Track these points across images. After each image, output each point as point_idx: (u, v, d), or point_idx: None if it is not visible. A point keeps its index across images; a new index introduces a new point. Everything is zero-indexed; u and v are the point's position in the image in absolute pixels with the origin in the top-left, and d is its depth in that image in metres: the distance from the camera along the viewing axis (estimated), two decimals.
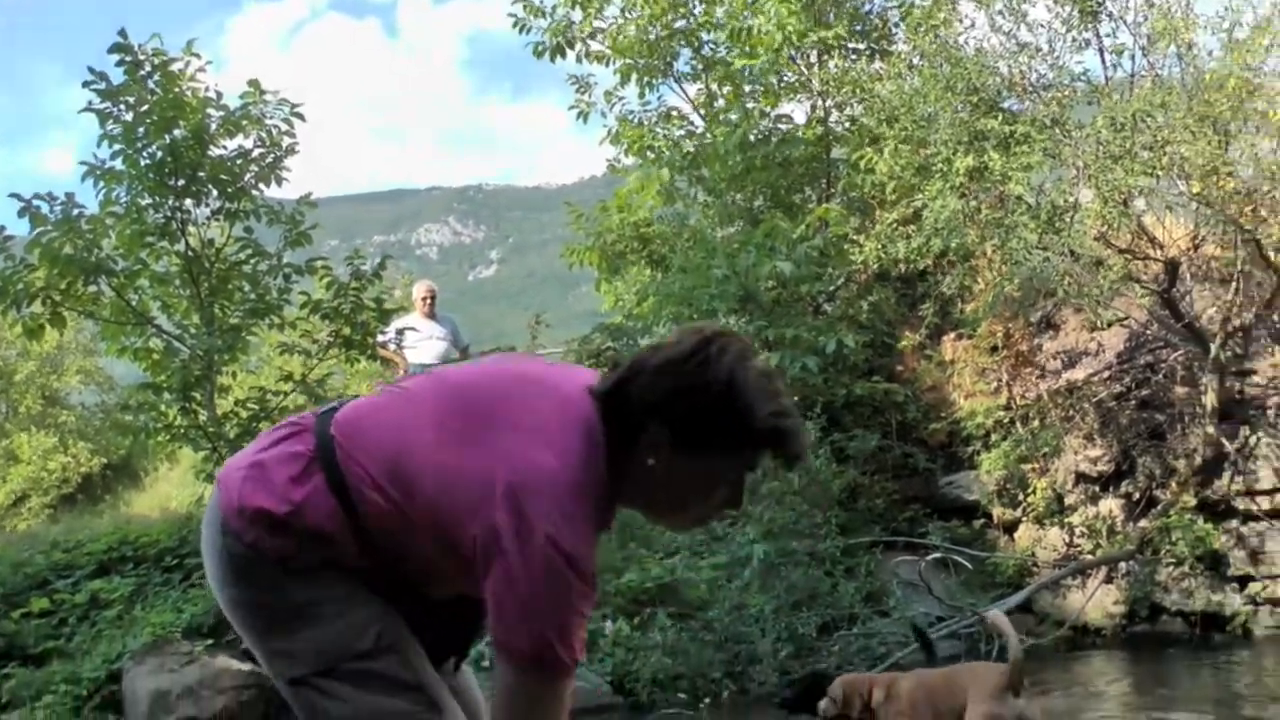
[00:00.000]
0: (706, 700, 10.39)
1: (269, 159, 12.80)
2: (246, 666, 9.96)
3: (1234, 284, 13.28)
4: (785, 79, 17.68)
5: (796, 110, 18.20)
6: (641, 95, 18.65)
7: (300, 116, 12.83)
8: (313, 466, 2.70)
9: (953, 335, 15.51)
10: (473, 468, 2.58)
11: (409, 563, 2.75)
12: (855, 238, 14.87)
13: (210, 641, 10.39)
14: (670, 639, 10.83)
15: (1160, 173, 12.62)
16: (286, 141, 12.83)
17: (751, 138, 17.19)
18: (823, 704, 6.60)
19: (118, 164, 12.25)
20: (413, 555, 2.72)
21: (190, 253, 12.56)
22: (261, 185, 12.83)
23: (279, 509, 2.67)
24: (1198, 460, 13.45)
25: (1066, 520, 13.99)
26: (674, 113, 18.80)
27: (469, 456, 2.59)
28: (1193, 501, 13.10)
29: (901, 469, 14.63)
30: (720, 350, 2.64)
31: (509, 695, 2.58)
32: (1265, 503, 13.25)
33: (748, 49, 16.92)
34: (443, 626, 2.98)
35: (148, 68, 12.17)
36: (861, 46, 17.39)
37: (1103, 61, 13.97)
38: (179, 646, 10.40)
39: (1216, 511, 13.34)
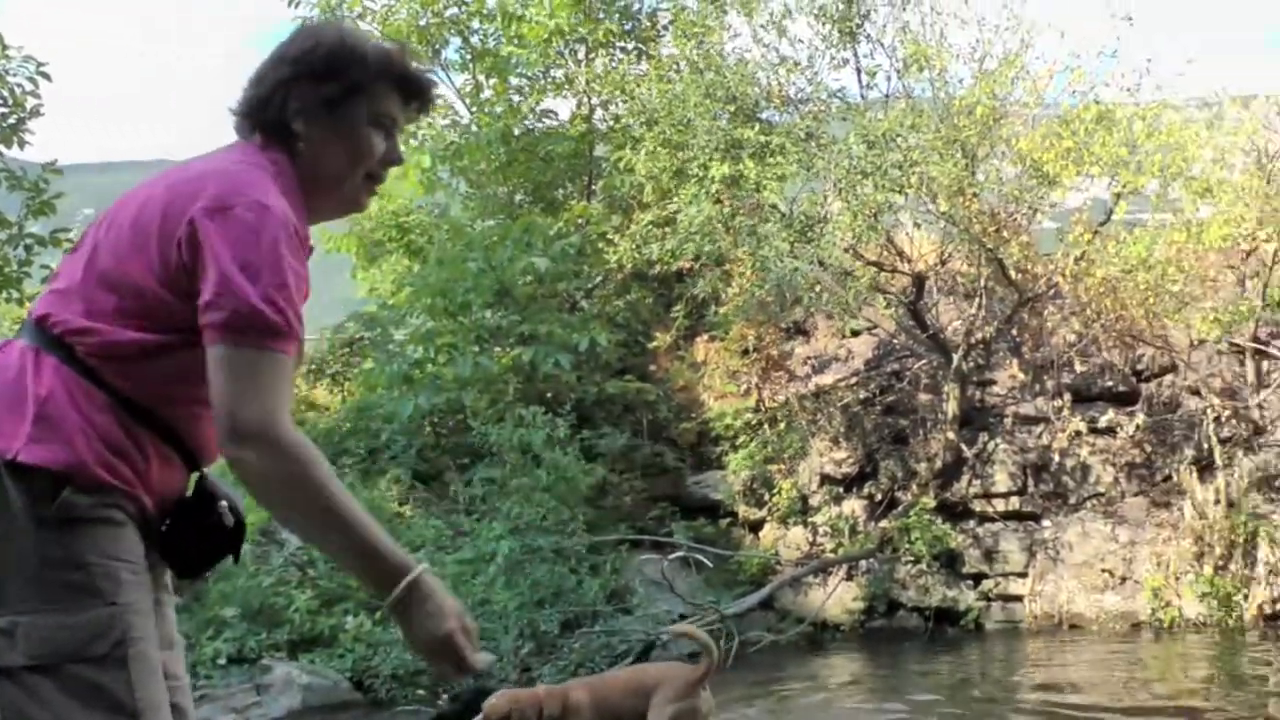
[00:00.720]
0: (445, 696, 10.35)
1: (11, 119, 12.16)
2: None
3: (977, 299, 13.84)
4: (553, 74, 17.68)
5: (562, 106, 18.23)
6: (437, 84, 18.37)
7: (46, 76, 12.16)
8: (40, 355, 2.57)
9: (705, 337, 15.71)
10: (154, 210, 2.57)
11: (177, 401, 2.64)
12: (611, 237, 14.99)
13: None
14: None
15: (909, 190, 13.04)
16: (31, 102, 12.20)
17: (516, 131, 17.18)
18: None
19: None
20: (173, 381, 2.60)
21: None
22: (2, 147, 12.19)
23: (34, 407, 2.51)
24: (938, 464, 13.98)
25: (810, 520, 14.31)
26: (439, 100, 18.58)
27: (147, 211, 2.58)
28: (932, 503, 13.59)
29: (651, 467, 14.73)
30: (318, 23, 2.93)
31: (228, 367, 2.46)
32: (1001, 505, 13.94)
33: (518, 39, 16.88)
34: (195, 535, 2.79)
35: None
36: (629, 46, 17.46)
37: (859, 81, 14.41)
38: None
39: (954, 513, 13.94)
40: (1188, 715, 9.02)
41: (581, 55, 17.39)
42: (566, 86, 17.71)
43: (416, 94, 2.91)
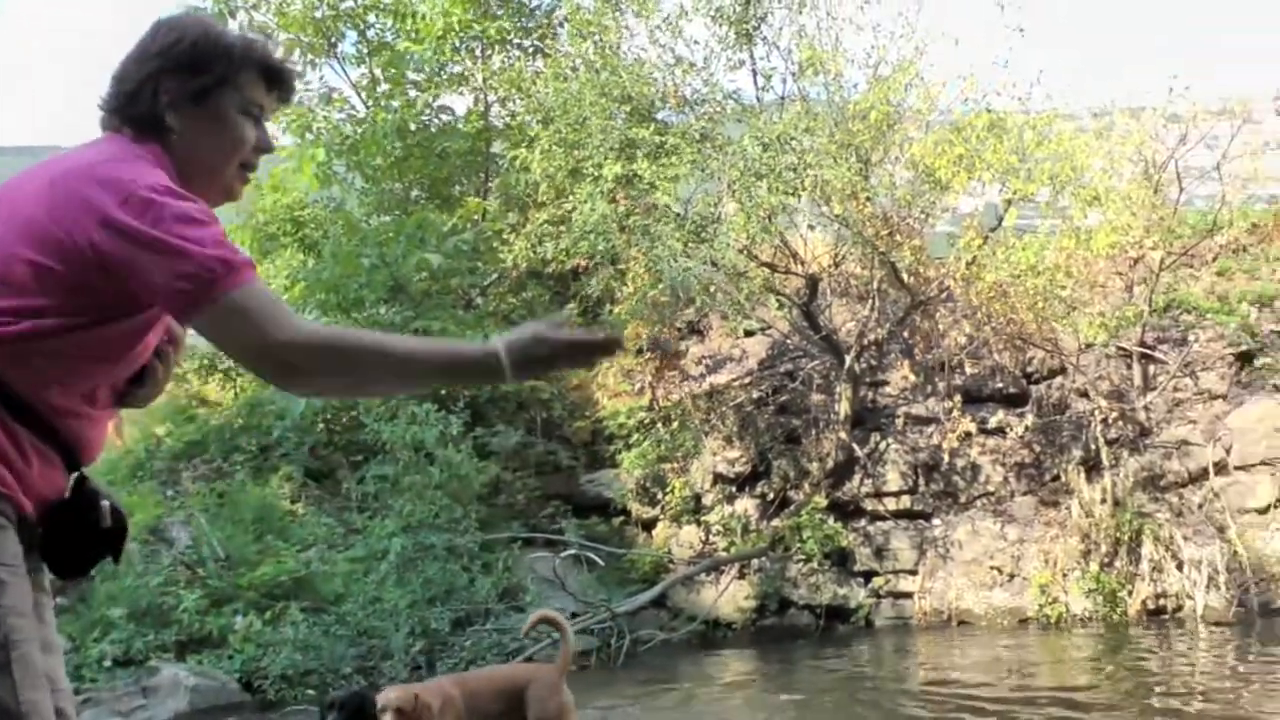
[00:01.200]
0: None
1: None
2: None
3: (870, 301, 13.99)
4: (449, 70, 17.56)
5: (458, 103, 18.12)
6: (303, 74, 18.19)
7: None
8: None
9: None
10: (42, 202, 2.52)
11: (59, 396, 2.59)
12: (507, 235, 14.93)
13: None
14: (302, 634, 10.64)
15: (803, 193, 13.11)
16: None
17: (412, 126, 17.06)
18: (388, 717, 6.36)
19: None
20: (54, 372, 2.55)
21: None
22: None
23: None
24: (830, 463, 14.09)
25: (703, 519, 14.35)
26: (335, 94, 18.44)
27: (34, 202, 2.53)
28: (824, 502, 13.72)
29: (544, 465, 14.70)
30: (178, 16, 2.86)
31: (222, 324, 2.49)
32: (892, 504, 14.10)
33: (414, 33, 16.75)
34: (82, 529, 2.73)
35: None
36: (526, 44, 17.40)
37: (755, 83, 14.47)
38: None
39: (846, 512, 14.07)
40: (1072, 705, 9.17)
41: (478, 52, 17.29)
42: (463, 83, 17.60)
43: (279, 82, 2.90)
